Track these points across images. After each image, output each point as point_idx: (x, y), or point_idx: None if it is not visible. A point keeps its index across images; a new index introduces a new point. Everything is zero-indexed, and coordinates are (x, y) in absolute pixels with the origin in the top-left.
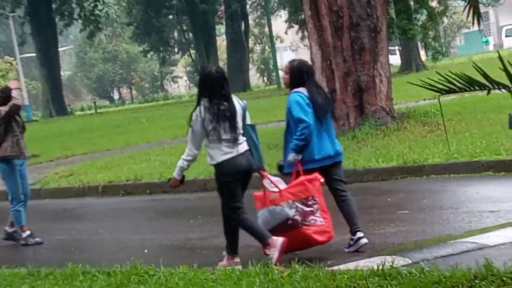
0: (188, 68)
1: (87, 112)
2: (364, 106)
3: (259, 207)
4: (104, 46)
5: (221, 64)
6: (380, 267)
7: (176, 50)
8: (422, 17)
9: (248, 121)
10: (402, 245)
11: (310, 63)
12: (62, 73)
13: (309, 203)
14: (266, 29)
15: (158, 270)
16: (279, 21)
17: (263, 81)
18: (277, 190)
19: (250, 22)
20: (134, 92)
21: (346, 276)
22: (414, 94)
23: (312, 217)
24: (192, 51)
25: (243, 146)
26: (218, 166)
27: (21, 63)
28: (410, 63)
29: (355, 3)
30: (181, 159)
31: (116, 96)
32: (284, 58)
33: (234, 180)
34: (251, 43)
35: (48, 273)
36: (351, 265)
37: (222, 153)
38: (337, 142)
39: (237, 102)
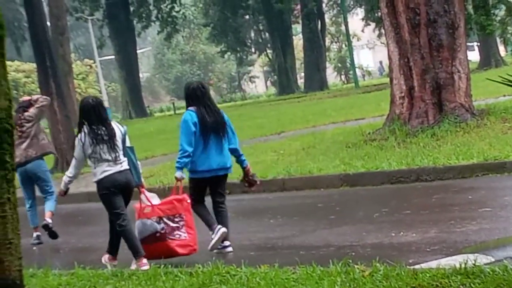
0: (265, 68)
1: (166, 113)
2: (443, 103)
3: (136, 218)
4: (182, 47)
5: (298, 63)
6: (463, 265)
7: (253, 50)
8: (501, 12)
9: (128, 144)
10: (484, 243)
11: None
12: (140, 74)
13: (176, 219)
14: (343, 28)
15: (239, 270)
16: (356, 19)
17: (340, 79)
18: (150, 205)
19: (327, 20)
20: (212, 92)
21: (428, 275)
22: (493, 91)
23: (177, 232)
24: (269, 51)
25: (123, 165)
26: (98, 183)
27: (100, 65)
28: (489, 59)
29: (432, 0)
30: (65, 175)
31: None
32: (361, 56)
33: (110, 192)
34: (327, 41)
35: (131, 273)
36: (433, 264)
37: (102, 171)
38: (227, 156)
39: (117, 127)
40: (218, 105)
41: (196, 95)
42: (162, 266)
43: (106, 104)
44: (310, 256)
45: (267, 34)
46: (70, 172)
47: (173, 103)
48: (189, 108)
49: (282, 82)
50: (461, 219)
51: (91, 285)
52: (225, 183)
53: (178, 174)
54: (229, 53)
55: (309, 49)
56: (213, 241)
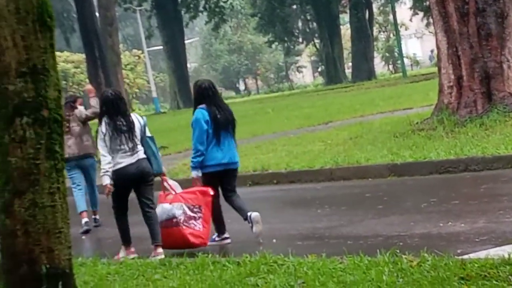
0: (312, 58)
1: None
2: (491, 93)
3: (158, 203)
4: (229, 38)
5: (345, 53)
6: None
7: (300, 40)
8: None
9: (148, 134)
10: None
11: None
12: (188, 65)
13: (195, 210)
14: (391, 17)
15: (286, 259)
16: (404, 8)
17: (388, 69)
18: (173, 192)
19: (374, 10)
20: (259, 82)
21: (476, 265)
22: None
23: (193, 221)
24: (316, 41)
25: (138, 155)
26: (113, 172)
27: (148, 56)
28: None
29: None
30: (102, 168)
31: (241, 86)
32: (409, 45)
33: (121, 186)
34: (375, 31)
35: (179, 263)
36: (481, 254)
37: (116, 163)
38: (235, 152)
39: (136, 119)
40: (265, 95)
41: (208, 94)
42: (210, 255)
43: (154, 94)
44: (358, 246)
45: (314, 24)
46: (104, 162)
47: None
48: (200, 106)
49: (329, 72)
50: (510, 209)
51: (140, 274)
52: (235, 177)
53: (194, 173)
54: (276, 43)
55: (356, 39)
56: (255, 228)
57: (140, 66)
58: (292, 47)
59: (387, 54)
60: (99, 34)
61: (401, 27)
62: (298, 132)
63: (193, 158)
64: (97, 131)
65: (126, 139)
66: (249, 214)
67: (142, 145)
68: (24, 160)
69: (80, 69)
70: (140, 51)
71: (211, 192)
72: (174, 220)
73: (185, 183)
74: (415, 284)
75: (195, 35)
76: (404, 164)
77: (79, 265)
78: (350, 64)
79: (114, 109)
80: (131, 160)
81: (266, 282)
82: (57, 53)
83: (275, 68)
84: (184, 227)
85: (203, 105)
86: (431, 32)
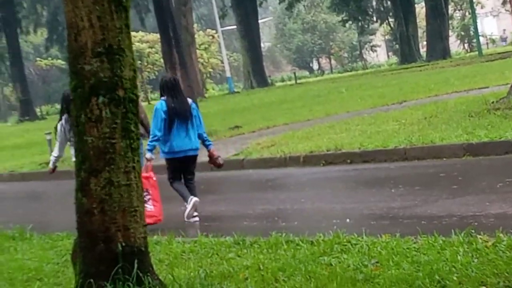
0: (387, 37)
1: (287, 83)
2: None
3: None
4: (303, 17)
5: (420, 32)
6: None
7: (374, 18)
8: None
9: None
10: None
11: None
12: (262, 44)
13: (144, 193)
14: None
15: (360, 239)
16: None
17: (463, 48)
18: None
19: None
20: (333, 62)
21: None
22: None
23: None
24: (390, 20)
25: None
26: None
27: (222, 35)
28: None
29: None
30: (52, 155)
31: (315, 66)
32: (485, 24)
33: None
34: (450, 9)
35: (253, 242)
36: None
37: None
38: (195, 140)
39: None
40: (339, 74)
41: (167, 87)
42: (284, 234)
43: (227, 74)
44: (432, 226)
45: (389, 3)
46: (55, 152)
47: (294, 73)
48: (162, 98)
49: (404, 51)
50: None
51: (214, 253)
52: (194, 163)
53: (148, 155)
54: (350, 22)
55: (431, 17)
56: (187, 210)
57: (214, 45)
58: (366, 26)
59: (462, 33)
60: (173, 14)
61: (476, 5)
62: (372, 112)
63: (149, 141)
64: (55, 127)
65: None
66: (191, 197)
67: None
68: (100, 139)
69: (154, 49)
70: (214, 31)
71: (154, 177)
72: None
73: (258, 163)
74: (490, 265)
75: (269, 14)
76: (479, 143)
77: (154, 244)
78: (425, 43)
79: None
80: None
81: (339, 261)
82: (132, 33)
83: (349, 47)
84: (147, 206)
85: (164, 97)
86: (507, 10)
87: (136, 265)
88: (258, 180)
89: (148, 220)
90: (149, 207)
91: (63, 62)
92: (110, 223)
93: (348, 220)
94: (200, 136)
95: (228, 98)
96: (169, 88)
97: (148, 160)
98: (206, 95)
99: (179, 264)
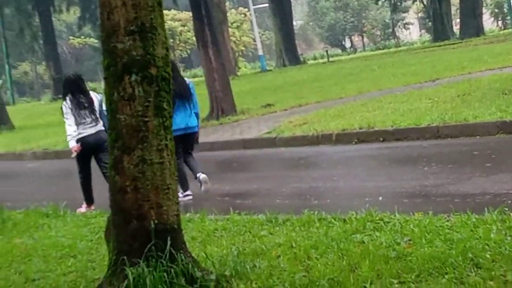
0: (420, 15)
1: (319, 61)
2: None
3: None
4: None
5: (453, 9)
6: None
7: None
8: None
9: (104, 108)
10: None
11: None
12: (294, 22)
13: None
14: None
15: (393, 217)
16: None
17: (497, 25)
18: None
19: None
20: (365, 39)
21: None
22: None
23: None
24: None
25: (97, 127)
26: (77, 141)
27: (254, 14)
28: None
29: None
30: (68, 136)
31: (347, 44)
32: None
33: (82, 152)
34: None
35: (285, 219)
36: None
37: (78, 133)
38: (193, 118)
39: (94, 96)
40: (371, 52)
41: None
42: (316, 212)
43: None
44: (465, 204)
45: None
46: (69, 130)
47: (327, 51)
48: None
49: (437, 28)
50: None
51: (246, 230)
52: (193, 140)
53: None
54: None
55: None
56: (203, 187)
57: (246, 24)
58: (399, 3)
59: (496, 10)
60: None
61: None
62: (404, 90)
63: None
64: (61, 107)
65: (87, 113)
66: (198, 175)
67: (100, 118)
68: (133, 117)
69: (187, 27)
70: (246, 9)
71: None
72: None
73: (290, 141)
74: None
75: None
76: None
77: (187, 221)
78: (458, 20)
79: (76, 88)
80: (92, 130)
81: (372, 239)
82: (164, 11)
83: (382, 25)
84: None
85: None
86: None
87: (169, 243)
88: (290, 158)
89: None
90: None
91: (95, 41)
92: (143, 201)
93: (380, 198)
94: (196, 115)
95: (260, 76)
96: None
97: None
98: (238, 73)
99: (211, 241)
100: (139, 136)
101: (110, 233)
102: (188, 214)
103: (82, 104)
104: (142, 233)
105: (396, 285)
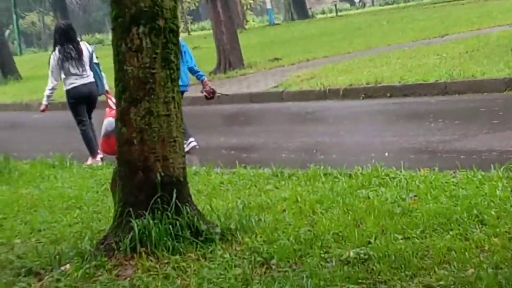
0: None
1: (328, 15)
2: None
3: (104, 117)
4: None
5: None
6: None
7: None
8: None
9: (95, 60)
10: None
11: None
12: None
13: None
14: None
15: (398, 173)
16: None
17: None
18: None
19: None
20: None
21: None
22: None
23: None
24: None
25: (88, 78)
26: (66, 92)
27: None
28: None
29: None
30: (46, 90)
31: None
32: None
33: (76, 102)
34: None
35: (291, 174)
36: None
37: (69, 83)
38: (185, 75)
39: (85, 47)
40: (380, 7)
41: None
42: (322, 167)
43: (268, 6)
44: (471, 160)
45: None
46: (49, 85)
47: (335, 5)
48: None
49: None
50: None
51: (252, 184)
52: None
53: None
54: None
55: None
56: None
57: None
58: None
59: None
60: None
61: None
62: (412, 45)
63: None
64: (49, 58)
65: (75, 63)
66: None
67: (91, 70)
68: (140, 69)
69: None
70: None
71: None
72: None
73: (297, 95)
74: None
75: None
76: None
77: (193, 174)
78: None
79: (65, 38)
80: (84, 81)
81: (377, 194)
82: None
83: None
84: None
85: None
86: None
87: (174, 195)
88: (297, 112)
89: None
90: None
91: None
92: (149, 153)
93: (386, 154)
94: (191, 70)
95: (268, 30)
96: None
97: None
98: (246, 26)
99: (217, 194)
100: (146, 88)
101: (116, 185)
102: (194, 167)
103: (69, 55)
104: (148, 185)
105: (401, 241)
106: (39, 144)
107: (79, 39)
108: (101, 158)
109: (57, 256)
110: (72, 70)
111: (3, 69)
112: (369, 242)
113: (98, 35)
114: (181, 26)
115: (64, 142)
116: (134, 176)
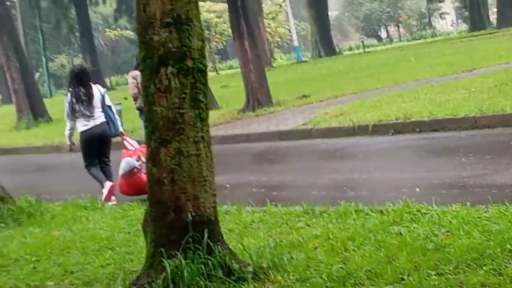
0: (456, 4)
1: (355, 52)
2: None
3: (123, 158)
4: None
5: None
6: None
7: None
8: None
9: (107, 103)
10: None
11: None
12: (329, 13)
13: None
14: None
15: (430, 208)
16: None
17: None
18: (133, 148)
19: None
20: (401, 30)
21: None
22: None
23: None
24: None
25: (99, 120)
26: (80, 134)
27: (290, 4)
28: None
29: None
30: (65, 131)
31: (383, 34)
32: None
33: (87, 144)
34: None
35: (322, 211)
36: None
37: (82, 125)
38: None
39: (97, 89)
40: (407, 42)
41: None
42: (353, 204)
43: (295, 43)
44: (503, 194)
45: None
46: (67, 126)
47: (362, 41)
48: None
49: (473, 18)
50: None
51: (283, 222)
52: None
53: None
54: None
55: None
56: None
57: (282, 15)
58: None
59: None
60: None
61: None
62: (441, 80)
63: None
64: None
65: (86, 106)
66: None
67: (103, 112)
68: (169, 109)
69: (222, 18)
70: (281, 0)
71: None
72: (135, 169)
73: (326, 132)
74: None
75: None
76: None
77: (224, 213)
78: (495, 9)
79: (77, 81)
80: (95, 123)
81: (409, 230)
82: (200, 3)
83: (417, 15)
84: (143, 174)
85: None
86: None
87: (206, 235)
88: (327, 149)
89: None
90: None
91: (132, 33)
92: (180, 193)
93: (417, 189)
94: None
95: (296, 67)
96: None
97: None
98: (274, 64)
99: (248, 233)
100: (175, 128)
101: (148, 225)
102: (225, 206)
103: (80, 97)
104: (179, 225)
105: (434, 277)
106: (70, 186)
107: (107, 79)
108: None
109: None
110: (83, 112)
111: (33, 112)
112: (402, 279)
113: (126, 76)
114: (209, 65)
115: (95, 183)
116: (165, 216)
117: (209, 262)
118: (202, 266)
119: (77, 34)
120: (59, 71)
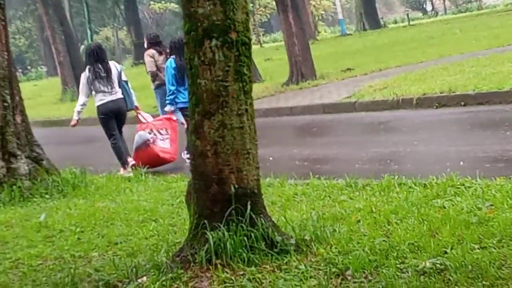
0: None
1: (400, 25)
2: None
3: (137, 132)
4: None
5: None
6: None
7: None
8: None
9: (124, 78)
10: None
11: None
12: None
13: (163, 132)
14: None
15: (474, 182)
16: None
17: None
18: (145, 121)
19: None
20: (447, 2)
21: None
22: None
23: (161, 141)
24: None
25: (116, 95)
26: (97, 108)
27: None
28: None
29: None
30: (77, 106)
31: (428, 7)
32: None
33: (105, 117)
34: None
35: (365, 184)
36: None
37: (99, 100)
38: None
39: (114, 66)
40: (453, 15)
41: (175, 47)
42: (396, 177)
43: (339, 16)
44: None
45: None
46: (79, 101)
47: (408, 14)
48: (171, 56)
49: None
50: None
51: (326, 195)
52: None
53: (168, 108)
54: None
55: None
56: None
57: None
58: None
59: None
60: None
61: None
62: (486, 53)
63: (167, 96)
64: (80, 76)
65: (105, 82)
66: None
67: (120, 87)
68: (213, 82)
69: None
70: None
71: (174, 118)
72: (147, 142)
73: (370, 105)
74: None
75: None
76: None
77: (267, 186)
78: None
79: (95, 58)
80: (112, 98)
81: (453, 204)
82: None
83: None
84: (154, 146)
85: (173, 56)
86: None
87: (249, 207)
88: (371, 122)
89: (162, 155)
90: (166, 144)
91: (176, 6)
92: (224, 165)
93: (461, 163)
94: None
95: (340, 41)
96: (176, 48)
97: (169, 112)
98: (318, 37)
99: (291, 206)
100: (219, 101)
101: (191, 197)
102: (268, 179)
103: (98, 73)
104: (222, 197)
105: (477, 250)
106: (115, 158)
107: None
108: (133, 165)
109: (134, 269)
110: (101, 88)
111: (78, 84)
112: (445, 252)
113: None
114: (253, 38)
115: None
116: (208, 189)
117: (252, 234)
118: (245, 238)
119: (122, 7)
120: (104, 44)
